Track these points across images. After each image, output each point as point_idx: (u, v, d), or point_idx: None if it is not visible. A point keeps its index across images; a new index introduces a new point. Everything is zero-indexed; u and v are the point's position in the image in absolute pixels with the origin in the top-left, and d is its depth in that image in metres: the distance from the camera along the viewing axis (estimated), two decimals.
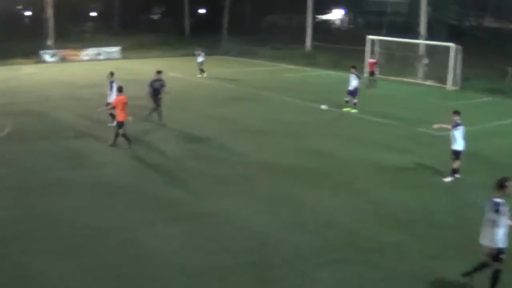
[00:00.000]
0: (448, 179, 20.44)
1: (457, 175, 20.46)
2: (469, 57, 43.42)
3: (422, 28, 48.50)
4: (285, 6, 76.94)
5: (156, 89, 29.42)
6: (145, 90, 29.48)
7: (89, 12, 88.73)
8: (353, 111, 31.94)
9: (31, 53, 59.98)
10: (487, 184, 19.81)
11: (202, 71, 47.74)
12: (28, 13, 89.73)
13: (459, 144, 20.22)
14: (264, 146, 24.62)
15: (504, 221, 11.93)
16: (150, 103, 29.39)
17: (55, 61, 60.40)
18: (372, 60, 43.85)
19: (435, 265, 13.90)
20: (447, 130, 20.58)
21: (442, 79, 43.15)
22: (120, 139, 24.52)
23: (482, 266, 12.50)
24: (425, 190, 19.41)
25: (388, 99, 37.40)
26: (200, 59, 48.12)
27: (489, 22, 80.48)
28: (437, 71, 43.77)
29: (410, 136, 26.75)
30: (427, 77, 45.83)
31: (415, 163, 22.48)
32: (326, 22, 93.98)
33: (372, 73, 43.02)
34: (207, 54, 50.60)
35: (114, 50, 64.63)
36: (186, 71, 50.15)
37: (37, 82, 44.85)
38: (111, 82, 27.85)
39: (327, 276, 13.38)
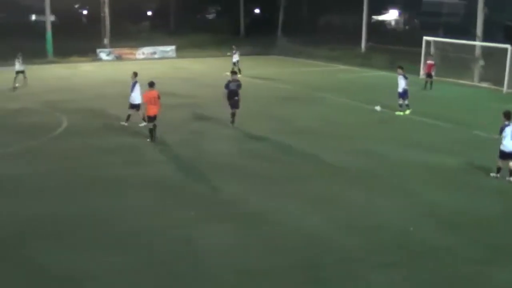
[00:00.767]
0: (492, 174, 20.63)
1: (496, 174, 20.63)
2: None
3: (479, 29, 47.75)
4: (341, 6, 76.56)
5: (232, 91, 27.94)
6: (222, 92, 28.34)
7: (145, 11, 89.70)
8: (407, 112, 31.64)
9: (88, 51, 60.95)
10: None
11: (239, 70, 47.98)
12: (85, 12, 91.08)
13: (504, 145, 20.33)
14: (317, 146, 24.57)
15: None
16: (225, 105, 28.27)
17: (111, 59, 61.25)
18: (430, 62, 43.37)
19: (486, 270, 13.65)
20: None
21: (498, 82, 42.50)
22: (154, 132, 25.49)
23: None
24: (479, 193, 19.14)
25: (443, 101, 36.95)
26: (235, 58, 48.29)
27: None
28: (493, 73, 43.12)
29: (464, 139, 26.41)
30: (482, 79, 45.18)
31: (469, 166, 22.18)
32: (382, 22, 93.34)
33: (429, 75, 42.60)
34: (262, 54, 50.71)
35: (169, 49, 65.18)
36: (243, 71, 50.36)
37: (94, 80, 45.59)
38: (134, 83, 28.03)
39: (379, 278, 13.24)
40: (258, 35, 73.71)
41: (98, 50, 62.18)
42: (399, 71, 32.20)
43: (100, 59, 61.09)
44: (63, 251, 14.50)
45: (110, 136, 26.42)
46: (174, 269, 13.61)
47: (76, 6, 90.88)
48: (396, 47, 56.78)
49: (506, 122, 20.40)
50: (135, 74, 28.24)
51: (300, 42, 64.78)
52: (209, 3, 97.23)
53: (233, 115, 28.02)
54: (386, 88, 32.96)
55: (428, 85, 42.06)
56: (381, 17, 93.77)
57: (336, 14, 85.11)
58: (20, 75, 41.17)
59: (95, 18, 70.92)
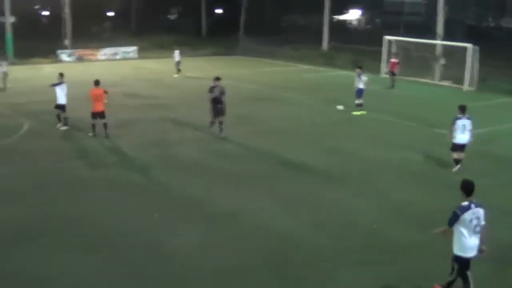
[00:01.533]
0: (454, 169, 20.97)
1: (457, 168, 21.01)
2: (487, 58, 43.15)
3: (439, 28, 48.25)
4: (304, 6, 76.75)
5: (216, 97, 26.00)
6: (207, 96, 26.36)
7: (106, 12, 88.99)
8: (360, 112, 31.78)
9: (49, 52, 60.36)
10: (507, 184, 20.00)
11: (178, 70, 48.14)
12: (46, 13, 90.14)
13: (455, 137, 20.99)
14: (284, 146, 24.59)
15: None
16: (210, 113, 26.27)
17: (72, 60, 60.73)
18: (394, 60, 43.77)
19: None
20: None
21: (459, 80, 43.00)
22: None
23: None
24: (447, 191, 19.20)
25: (405, 100, 37.32)
26: (177, 58, 48.38)
27: (507, 23, 79.92)
28: (454, 72, 43.61)
29: (428, 137, 26.62)
30: (444, 77, 45.71)
31: (433, 163, 22.42)
32: (344, 22, 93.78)
33: (393, 73, 42.99)
34: (225, 54, 50.61)
35: (131, 50, 64.89)
36: (204, 71, 50.20)
37: (54, 81, 44.98)
38: (59, 83, 28.02)
39: (348, 277, 13.30)
40: (220, 36, 73.65)
41: (59, 51, 61.58)
42: (358, 70, 32.44)
43: (61, 61, 60.50)
44: (31, 254, 14.31)
45: (72, 139, 26.15)
46: (142, 270, 13.53)
47: (37, 7, 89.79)
48: (359, 47, 57.04)
49: (459, 115, 20.69)
50: (61, 75, 28.32)
51: (263, 42, 64.74)
52: (171, 4, 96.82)
53: (220, 123, 25.97)
54: (349, 87, 33.04)
55: (390, 83, 42.46)
56: (342, 17, 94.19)
57: (299, 14, 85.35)
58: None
59: (56, 19, 70.26)
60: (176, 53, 49.28)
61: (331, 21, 67.86)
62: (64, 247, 14.74)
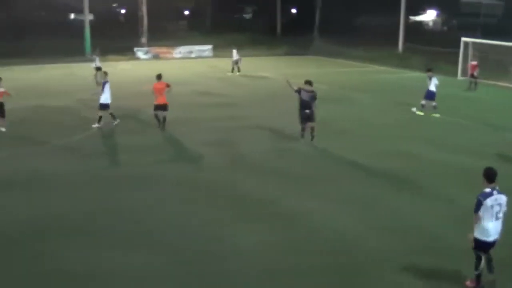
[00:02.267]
0: None
1: None
2: None
3: None
4: (378, 7, 76.20)
5: (303, 101, 24.56)
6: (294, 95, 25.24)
7: (182, 11, 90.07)
8: (421, 113, 31.47)
9: (126, 50, 61.49)
10: None
11: (234, 69, 48.32)
12: (123, 11, 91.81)
13: None
14: (352, 147, 24.43)
15: None
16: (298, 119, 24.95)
17: (148, 58, 61.76)
18: (474, 63, 43.03)
19: None
20: None
21: None
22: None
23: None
24: None
25: (481, 103, 36.55)
26: (235, 57, 48.47)
27: None
28: None
29: (501, 142, 26.06)
30: None
31: (505, 170, 21.90)
32: (419, 23, 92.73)
33: (473, 76, 42.30)
34: (298, 54, 50.63)
35: (206, 48, 65.54)
36: (278, 71, 50.34)
37: (131, 78, 45.90)
38: (105, 82, 28.09)
39: (407, 280, 13.07)
40: (294, 35, 73.70)
41: (135, 49, 62.73)
42: (429, 73, 31.97)
43: (137, 58, 61.58)
44: (90, 248, 14.58)
45: (144, 134, 26.58)
46: (199, 267, 13.60)
47: (114, 5, 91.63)
48: (434, 48, 56.25)
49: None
50: (106, 74, 28.64)
51: (336, 42, 64.53)
52: (246, 3, 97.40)
53: (311, 130, 24.54)
54: (422, 90, 32.50)
55: (473, 85, 41.81)
56: (418, 18, 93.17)
57: (373, 14, 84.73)
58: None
59: (132, 17, 71.52)
60: (234, 52, 49.44)
61: (406, 21, 67.10)
62: (120, 242, 14.95)
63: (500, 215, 12.24)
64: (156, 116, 27.48)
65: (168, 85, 27.73)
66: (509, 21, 51.18)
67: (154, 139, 25.87)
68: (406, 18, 67.02)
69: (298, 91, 24.71)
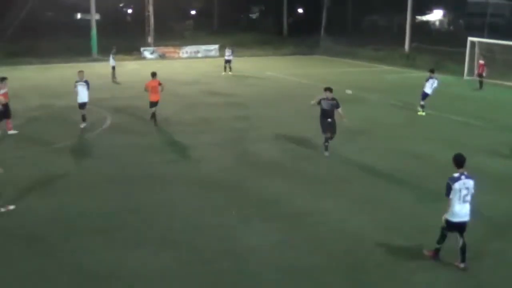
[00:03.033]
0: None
1: None
2: None
3: None
4: (385, 6, 76.12)
5: (325, 111, 22.96)
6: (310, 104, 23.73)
7: (189, 10, 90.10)
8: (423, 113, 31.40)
9: (132, 49, 61.56)
10: None
11: (226, 68, 48.44)
12: (129, 11, 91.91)
13: None
14: (362, 147, 24.41)
15: None
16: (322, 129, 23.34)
17: (155, 58, 61.77)
18: (482, 62, 43.06)
19: None
20: None
21: None
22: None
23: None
24: None
25: (488, 103, 36.48)
26: (228, 56, 48.45)
27: None
28: None
29: (509, 141, 25.99)
30: None
31: None
32: (426, 23, 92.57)
33: (481, 75, 42.31)
34: (305, 53, 50.61)
35: (213, 48, 65.52)
36: (284, 71, 50.38)
37: (139, 78, 45.81)
38: (79, 81, 27.71)
39: (422, 282, 13.10)
40: (301, 35, 73.68)
41: (142, 49, 62.77)
42: (431, 74, 31.78)
43: (144, 58, 61.63)
44: (108, 248, 14.64)
45: (154, 134, 26.63)
46: (218, 267, 13.64)
47: (121, 5, 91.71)
48: (441, 48, 56.13)
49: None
50: (81, 73, 28.06)
51: (343, 42, 64.48)
52: (253, 3, 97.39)
53: (326, 139, 23.04)
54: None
55: (480, 84, 41.94)
56: (425, 17, 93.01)
57: (380, 14, 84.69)
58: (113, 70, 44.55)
59: (139, 17, 71.58)
60: (227, 51, 49.24)
61: (413, 21, 66.98)
62: (140, 242, 14.99)
63: (468, 198, 13.40)
64: (154, 113, 28.32)
65: (160, 83, 28.45)
66: None
67: (164, 139, 25.96)
68: (413, 17, 66.81)
69: (318, 102, 22.99)
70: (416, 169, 21.60)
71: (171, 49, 64.41)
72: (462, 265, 13.56)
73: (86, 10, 67.58)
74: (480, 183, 19.99)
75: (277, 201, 17.97)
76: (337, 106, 22.66)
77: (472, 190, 13.47)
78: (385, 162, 22.32)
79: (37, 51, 56.81)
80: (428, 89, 31.41)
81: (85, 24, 66.47)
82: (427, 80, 31.62)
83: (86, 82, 27.74)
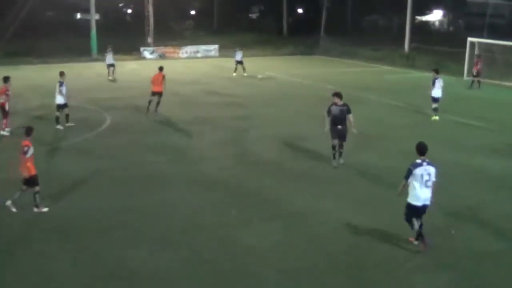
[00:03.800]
0: None
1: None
2: None
3: None
4: (385, 7, 76.13)
5: (335, 116, 21.49)
6: (322, 116, 22.46)
7: (188, 11, 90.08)
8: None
9: (132, 49, 61.58)
10: None
11: (243, 69, 48.01)
12: (129, 11, 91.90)
13: None
14: (362, 147, 24.38)
15: None
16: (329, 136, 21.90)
17: (154, 58, 61.79)
18: (476, 61, 43.22)
19: None
20: None
21: None
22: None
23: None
24: None
25: (488, 103, 36.49)
26: (238, 57, 48.38)
27: None
28: None
29: (509, 141, 25.98)
30: None
31: None
32: (426, 23, 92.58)
33: (474, 74, 42.44)
34: (305, 53, 50.53)
35: (212, 48, 65.56)
36: (285, 71, 50.38)
37: (138, 78, 45.94)
38: (61, 83, 27.57)
39: (422, 281, 13.13)
40: (301, 35, 73.70)
41: (142, 49, 62.79)
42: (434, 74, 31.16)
43: (144, 58, 61.65)
44: (108, 247, 14.66)
45: (154, 134, 26.63)
46: (218, 267, 13.66)
47: (121, 5, 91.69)
48: (441, 48, 56.12)
49: None
50: (62, 74, 27.90)
51: (343, 42, 64.47)
52: (253, 3, 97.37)
53: (334, 147, 21.64)
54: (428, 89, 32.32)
55: (475, 84, 42.00)
56: (425, 18, 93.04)
57: (380, 14, 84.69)
58: (111, 68, 45.05)
59: (139, 17, 71.60)
60: (237, 52, 49.04)
61: (413, 21, 66.96)
62: (140, 242, 15.01)
63: (429, 183, 14.24)
64: (150, 101, 30.91)
65: (163, 77, 31.28)
66: None
67: (165, 138, 25.92)
68: (413, 18, 66.78)
69: (328, 111, 21.57)
70: None
71: (170, 49, 64.44)
72: (416, 242, 14.63)
73: (86, 10, 67.64)
74: (480, 183, 20.20)
75: (277, 201, 17.97)
76: (348, 111, 21.45)
77: (433, 177, 14.29)
78: (385, 162, 22.31)
79: (37, 51, 56.85)
80: (436, 90, 30.32)
81: (85, 24, 66.54)
82: (433, 82, 30.47)
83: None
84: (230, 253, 14.37)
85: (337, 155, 21.68)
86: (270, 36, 77.17)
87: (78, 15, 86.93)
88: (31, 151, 16.75)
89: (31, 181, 16.65)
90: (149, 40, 65.79)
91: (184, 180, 20.02)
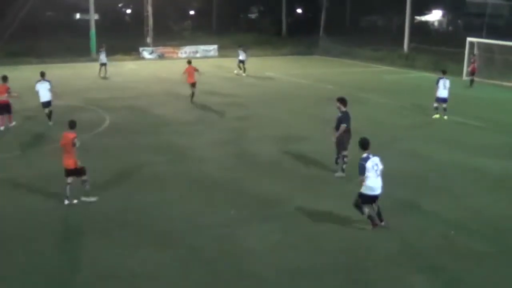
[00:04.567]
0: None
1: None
2: None
3: None
4: (384, 7, 76.09)
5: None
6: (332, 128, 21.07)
7: (187, 11, 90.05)
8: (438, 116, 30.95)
9: (131, 49, 61.59)
10: None
11: (243, 68, 48.37)
12: (128, 11, 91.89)
13: None
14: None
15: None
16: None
17: (154, 58, 61.82)
18: (472, 60, 43.44)
19: None
20: None
21: None
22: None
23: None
24: None
25: (487, 103, 36.48)
26: (242, 57, 48.42)
27: None
28: None
29: (509, 143, 25.97)
30: None
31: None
32: (425, 23, 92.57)
33: (470, 73, 42.77)
34: (304, 54, 50.46)
35: (212, 48, 65.55)
36: (284, 71, 50.37)
37: (138, 78, 46.10)
38: (42, 81, 28.29)
39: (420, 282, 13.09)
40: (300, 35, 73.71)
41: (141, 49, 62.76)
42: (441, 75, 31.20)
43: (143, 58, 61.64)
44: (108, 248, 14.67)
45: (152, 134, 26.59)
46: (217, 267, 13.67)
47: (120, 5, 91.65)
48: (440, 48, 56.14)
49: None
50: (44, 74, 28.62)
51: (342, 42, 64.41)
52: (252, 3, 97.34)
53: (343, 157, 20.64)
54: (428, 90, 32.34)
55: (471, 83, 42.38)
56: (424, 18, 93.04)
57: (379, 14, 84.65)
58: (103, 67, 45.95)
59: (138, 17, 71.63)
60: (242, 51, 49.06)
61: (412, 21, 66.92)
62: (140, 242, 15.01)
63: (379, 172, 15.43)
64: (193, 93, 34.90)
65: (196, 69, 35.32)
66: None
67: (164, 138, 25.87)
68: (412, 18, 66.73)
69: (340, 120, 20.54)
70: (416, 169, 21.59)
71: (170, 49, 64.41)
72: (383, 223, 15.76)
73: (85, 10, 67.56)
74: (480, 183, 20.19)
75: (277, 201, 17.96)
76: (341, 121, 20.41)
77: (380, 165, 15.55)
78: (385, 162, 22.21)
79: (37, 51, 56.81)
80: (441, 91, 30.41)
81: (85, 24, 66.52)
82: (437, 82, 30.71)
83: (48, 82, 28.42)
84: (230, 253, 14.36)
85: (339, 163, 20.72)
86: (269, 36, 77.16)
87: (78, 15, 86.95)
88: (78, 143, 17.61)
89: (79, 171, 17.61)
90: (148, 40, 65.76)
91: (184, 180, 20.01)
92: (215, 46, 65.65)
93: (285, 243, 15.00)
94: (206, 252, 14.41)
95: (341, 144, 20.45)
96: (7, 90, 27.15)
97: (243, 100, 35.92)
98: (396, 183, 19.71)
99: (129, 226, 16.02)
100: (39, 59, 54.94)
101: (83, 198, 17.57)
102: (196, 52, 64.77)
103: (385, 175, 19.65)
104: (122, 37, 63.63)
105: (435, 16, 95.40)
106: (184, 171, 21.08)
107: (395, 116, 31.63)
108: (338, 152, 20.61)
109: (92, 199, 17.64)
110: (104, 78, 45.03)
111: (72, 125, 17.97)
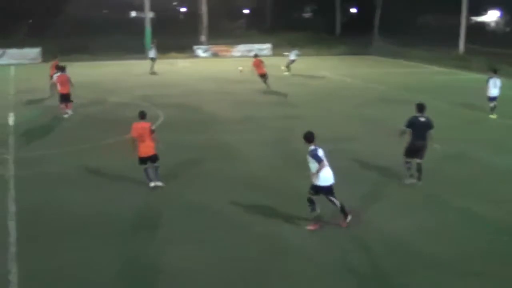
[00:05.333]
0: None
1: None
2: None
3: None
4: (439, 7, 75.21)
5: (417, 131, 20.04)
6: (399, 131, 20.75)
7: (241, 9, 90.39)
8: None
9: (185, 47, 62.11)
10: None
11: (289, 68, 48.66)
12: (183, 9, 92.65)
13: None
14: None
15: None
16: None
17: (208, 56, 62.29)
18: None
19: None
20: None
21: None
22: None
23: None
24: None
25: None
26: (292, 56, 48.67)
27: None
28: None
29: None
30: None
31: None
32: (481, 24, 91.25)
33: None
34: (358, 53, 50.26)
35: (265, 47, 65.68)
36: (336, 71, 50.24)
37: (191, 76, 46.49)
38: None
39: (421, 282, 13.00)
40: (354, 35, 73.31)
41: (195, 47, 63.31)
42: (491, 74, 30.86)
43: (197, 56, 62.14)
44: (156, 243, 14.88)
45: (204, 132, 26.81)
46: (261, 265, 13.71)
47: (175, 3, 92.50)
48: (496, 49, 55.25)
49: None
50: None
51: (396, 42, 63.90)
52: (306, 2, 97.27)
53: (418, 166, 19.65)
54: (483, 91, 31.81)
55: None
56: (480, 18, 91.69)
57: (434, 14, 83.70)
58: (153, 62, 47.29)
59: (192, 15, 72.18)
60: (292, 52, 49.23)
61: (468, 22, 66.02)
62: (181, 238, 15.19)
63: (327, 162, 15.71)
64: (266, 83, 38.81)
65: (262, 61, 39.44)
66: None
67: (213, 137, 26.04)
68: (468, 18, 65.81)
69: (409, 125, 20.34)
70: (463, 171, 21.26)
71: (223, 47, 64.81)
72: (348, 218, 15.92)
73: (141, 8, 68.38)
74: None
75: (323, 201, 17.92)
76: (430, 127, 20.40)
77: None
78: (432, 163, 21.84)
79: (91, 48, 57.72)
80: (492, 90, 30.24)
81: (139, 22, 67.29)
82: (487, 81, 30.51)
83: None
84: (274, 252, 14.41)
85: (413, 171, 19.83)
86: (323, 35, 76.98)
87: (133, 13, 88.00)
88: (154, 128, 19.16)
89: (154, 158, 18.95)
90: (203, 38, 66.26)
91: (231, 178, 20.13)
92: (269, 45, 65.79)
93: (326, 244, 14.95)
94: (250, 250, 14.50)
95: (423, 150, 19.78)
96: (69, 80, 29.21)
97: (294, 99, 35.92)
98: (445, 187, 19.51)
99: (174, 222, 16.21)
100: (93, 56, 55.94)
101: (152, 184, 18.89)
102: (250, 50, 64.94)
103: (434, 177, 19.56)
104: (177, 36, 64.20)
105: (491, 16, 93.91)
106: (232, 169, 21.20)
107: (446, 117, 30.90)
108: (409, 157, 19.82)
109: (160, 183, 18.96)
110: (153, 73, 45.66)
111: (142, 115, 18.93)
